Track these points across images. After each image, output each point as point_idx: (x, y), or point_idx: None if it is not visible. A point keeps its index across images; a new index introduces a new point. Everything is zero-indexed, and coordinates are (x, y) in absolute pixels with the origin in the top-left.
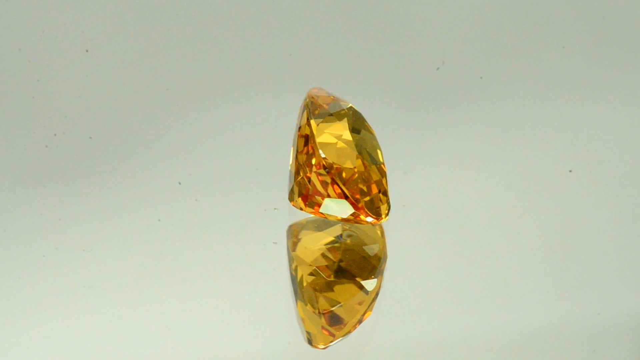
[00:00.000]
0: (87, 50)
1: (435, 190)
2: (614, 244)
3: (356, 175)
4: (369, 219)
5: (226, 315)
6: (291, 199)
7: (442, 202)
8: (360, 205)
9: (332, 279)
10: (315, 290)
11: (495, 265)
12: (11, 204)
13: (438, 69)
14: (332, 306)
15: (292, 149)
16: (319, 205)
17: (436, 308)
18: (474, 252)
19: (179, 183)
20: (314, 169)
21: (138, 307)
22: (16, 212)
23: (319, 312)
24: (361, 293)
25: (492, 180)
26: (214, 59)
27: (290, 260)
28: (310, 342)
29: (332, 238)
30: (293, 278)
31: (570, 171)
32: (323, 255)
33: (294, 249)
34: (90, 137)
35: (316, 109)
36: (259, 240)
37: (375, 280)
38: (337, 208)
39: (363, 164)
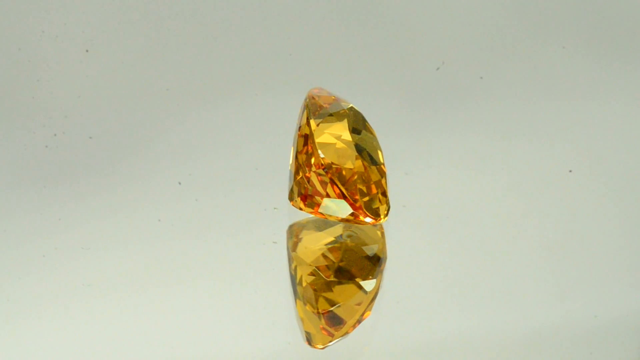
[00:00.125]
0: (87, 50)
1: (436, 190)
2: (614, 244)
3: (355, 175)
4: (368, 220)
5: (226, 315)
6: (291, 198)
7: (442, 203)
8: (359, 205)
9: (331, 279)
10: (314, 290)
11: (495, 265)
12: (11, 204)
13: (438, 69)
14: (331, 306)
15: (292, 148)
16: (319, 205)
17: (436, 308)
18: (473, 252)
19: (179, 183)
20: (313, 168)
21: (138, 307)
22: (16, 212)
23: (318, 312)
24: (360, 293)
25: (492, 180)
26: (214, 59)
27: (290, 260)
28: (309, 342)
29: (332, 238)
30: (293, 278)
31: (570, 171)
32: (323, 255)
33: (294, 249)
34: (90, 137)
35: (316, 109)
36: (258, 240)
37: (374, 280)
38: (336, 208)
39: (362, 164)
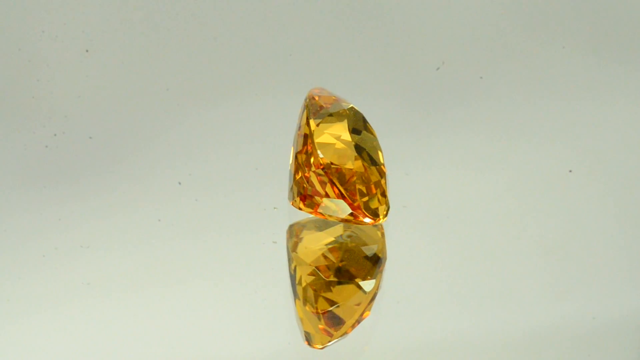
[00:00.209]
0: (87, 50)
1: (436, 190)
2: (614, 244)
3: (354, 175)
4: (367, 220)
5: (226, 315)
6: (291, 198)
7: (443, 203)
8: (357, 205)
9: (331, 279)
10: (314, 290)
11: (495, 265)
12: (11, 204)
13: (438, 69)
14: (331, 306)
15: (292, 148)
16: (318, 205)
17: (436, 308)
18: (473, 253)
19: (179, 183)
20: (312, 168)
21: (138, 307)
22: (16, 212)
23: (317, 312)
24: (359, 293)
25: (492, 180)
26: (214, 59)
27: (290, 260)
28: (308, 342)
29: (332, 238)
30: (292, 278)
31: (570, 171)
32: (323, 255)
33: (294, 249)
34: (90, 137)
35: (316, 109)
36: (258, 240)
37: (374, 280)
38: (335, 208)
39: (362, 164)
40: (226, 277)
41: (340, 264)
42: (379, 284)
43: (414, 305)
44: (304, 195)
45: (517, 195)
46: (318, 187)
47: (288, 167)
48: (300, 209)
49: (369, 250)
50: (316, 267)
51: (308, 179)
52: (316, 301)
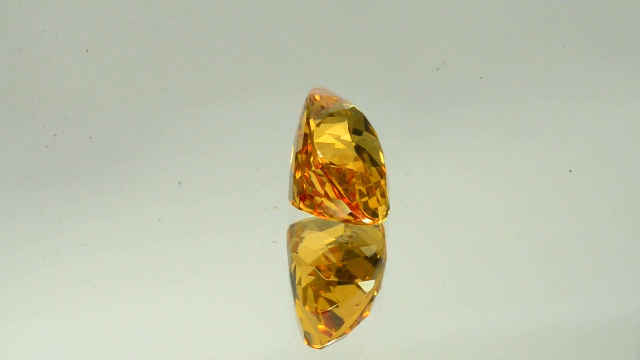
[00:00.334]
0: (87, 50)
1: (436, 191)
2: (614, 244)
3: (354, 176)
4: (366, 220)
5: (225, 314)
6: (291, 198)
7: (443, 203)
8: (356, 205)
9: (330, 279)
10: (313, 290)
11: (495, 265)
12: (11, 204)
13: (438, 69)
14: (330, 306)
15: (292, 148)
16: (318, 205)
17: (436, 309)
18: (474, 253)
19: (179, 183)
20: (312, 168)
21: (138, 306)
22: (16, 212)
23: (317, 312)
24: (359, 294)
25: (492, 180)
26: (214, 59)
27: (290, 259)
28: (308, 341)
29: (333, 239)
30: (292, 278)
31: (570, 171)
32: (323, 255)
33: (294, 249)
34: (90, 137)
35: (317, 109)
36: (258, 240)
37: (373, 281)
38: (335, 208)
39: (362, 165)
40: (226, 276)
41: (340, 264)
42: (379, 285)
43: (414, 305)
44: (304, 195)
45: (517, 195)
46: (318, 187)
47: (288, 166)
48: (300, 208)
49: (370, 251)
50: (316, 267)
51: (308, 179)
52: (316, 301)
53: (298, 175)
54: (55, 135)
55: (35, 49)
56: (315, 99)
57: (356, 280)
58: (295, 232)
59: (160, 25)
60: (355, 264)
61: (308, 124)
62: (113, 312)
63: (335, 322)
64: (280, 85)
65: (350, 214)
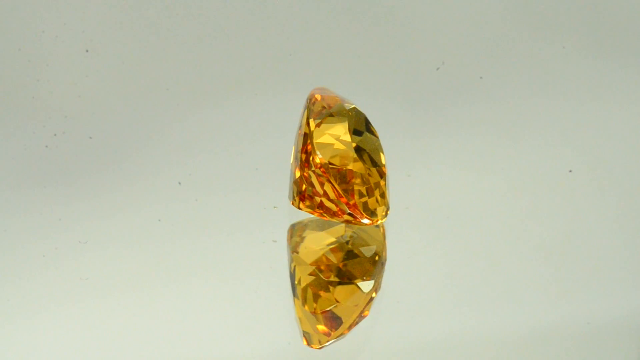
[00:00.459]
0: (87, 50)
1: (437, 191)
2: (614, 244)
3: (354, 176)
4: (365, 220)
5: (225, 314)
6: (291, 198)
7: (443, 204)
8: (355, 205)
9: (330, 279)
10: (313, 290)
11: (495, 266)
12: (11, 204)
13: (438, 69)
14: (329, 306)
15: (293, 147)
16: (317, 205)
17: (437, 309)
18: (474, 253)
19: (179, 183)
20: (312, 168)
21: (138, 306)
22: (16, 212)
23: (316, 312)
24: (358, 294)
25: (492, 180)
26: (214, 59)
27: (290, 259)
28: (307, 341)
29: (333, 239)
30: (292, 278)
31: (570, 171)
32: (324, 255)
33: (294, 249)
34: (90, 137)
35: (318, 109)
36: (258, 240)
37: (372, 281)
38: (334, 209)
39: (362, 165)
40: (226, 276)
41: (340, 265)
42: (379, 285)
43: (415, 305)
44: (304, 195)
45: (517, 195)
46: (317, 187)
47: (288, 166)
48: (300, 208)
49: (370, 251)
50: (316, 267)
51: (307, 179)
52: (315, 301)
53: (298, 175)
54: (55, 135)
55: (35, 49)
56: (316, 99)
57: (356, 281)
58: (296, 232)
59: (161, 25)
60: (355, 264)
61: (308, 123)
62: (113, 312)
63: (334, 322)
64: (281, 85)
65: (350, 214)
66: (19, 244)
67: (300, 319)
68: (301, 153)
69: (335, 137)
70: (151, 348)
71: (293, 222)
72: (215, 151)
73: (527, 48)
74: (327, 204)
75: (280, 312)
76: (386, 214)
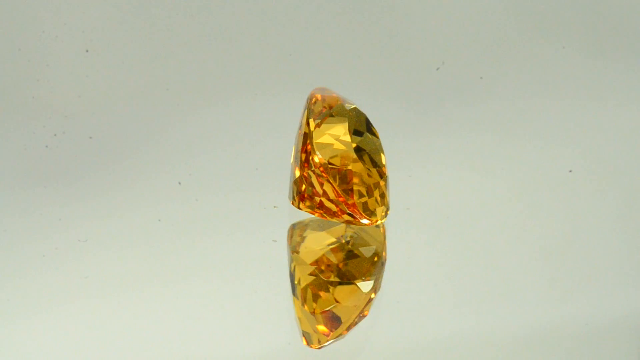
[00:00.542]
0: (87, 50)
1: (437, 192)
2: (614, 244)
3: (353, 176)
4: (364, 221)
5: (225, 314)
6: (291, 197)
7: (444, 204)
8: (354, 206)
9: (330, 279)
10: (312, 290)
11: (495, 266)
12: (11, 204)
13: (438, 69)
14: (329, 306)
15: (294, 147)
16: (317, 205)
17: (437, 309)
18: (474, 253)
19: (179, 183)
20: (312, 168)
21: (138, 307)
22: (16, 212)
23: (316, 312)
24: (358, 294)
25: (492, 180)
26: (214, 59)
27: (290, 259)
28: (306, 341)
29: (333, 239)
30: (292, 277)
31: (570, 171)
32: (324, 255)
33: (295, 249)
34: (90, 137)
35: (318, 109)
36: (258, 240)
37: (372, 281)
38: (334, 209)
39: (361, 165)
40: (226, 276)
41: (340, 265)
42: (378, 285)
43: (415, 305)
44: (303, 195)
45: (517, 195)
46: (317, 187)
47: (288, 167)
48: (299, 208)
49: (370, 251)
50: (316, 267)
51: (307, 179)
52: (315, 301)
53: (298, 175)
54: (55, 135)
55: (35, 49)
56: (317, 99)
57: (356, 281)
58: (296, 232)
59: (160, 25)
60: (355, 265)
61: (308, 123)
62: (113, 313)
63: (334, 322)
64: (281, 85)
65: (349, 215)
66: (19, 244)
67: (299, 318)
68: (301, 153)
69: (335, 137)
70: (151, 348)
71: (293, 222)
72: (215, 151)
73: (527, 48)
74: (327, 204)
75: (280, 312)
76: (386, 214)
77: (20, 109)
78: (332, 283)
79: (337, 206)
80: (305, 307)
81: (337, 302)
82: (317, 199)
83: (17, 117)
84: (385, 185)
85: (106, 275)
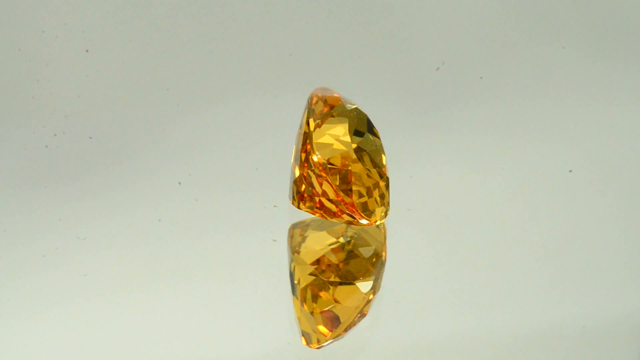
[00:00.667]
0: (87, 50)
1: (437, 192)
2: (614, 244)
3: (353, 177)
4: (363, 221)
5: (224, 314)
6: (291, 197)
7: (444, 204)
8: (354, 206)
9: (330, 279)
10: (312, 290)
11: (496, 266)
12: (11, 204)
13: (438, 69)
14: (328, 306)
15: (294, 147)
16: (317, 205)
17: (436, 309)
18: (474, 253)
19: (179, 183)
20: (312, 168)
21: (138, 306)
22: (16, 212)
23: (315, 312)
24: (357, 294)
25: (492, 180)
26: (214, 58)
27: (290, 259)
28: (305, 341)
29: (334, 239)
30: (292, 277)
31: (570, 171)
32: (324, 256)
33: (294, 249)
34: (90, 137)
35: (319, 109)
36: (258, 240)
37: (371, 282)
38: (333, 209)
39: (361, 166)
40: (226, 276)
41: (340, 265)
42: (378, 286)
43: (415, 305)
44: (303, 195)
45: (517, 195)
46: (317, 187)
47: (289, 166)
48: (299, 208)
49: (370, 252)
50: (316, 267)
51: (307, 179)
52: (314, 301)
53: (298, 174)
54: (55, 135)
55: (35, 49)
56: (318, 99)
57: (355, 281)
58: (297, 232)
59: (160, 25)
60: (355, 265)
61: (308, 123)
62: (113, 313)
63: (333, 322)
64: (281, 85)
65: (349, 215)
66: (19, 244)
67: (299, 318)
68: (301, 153)
69: (335, 137)
70: (151, 348)
71: (294, 222)
72: (215, 151)
73: (527, 48)
74: (327, 204)
75: (279, 312)
76: (385, 215)
77: (20, 109)
78: (332, 283)
79: (337, 206)
80: (305, 307)
81: (336, 302)
82: (317, 199)
83: (17, 117)
84: (386, 185)
85: (106, 276)
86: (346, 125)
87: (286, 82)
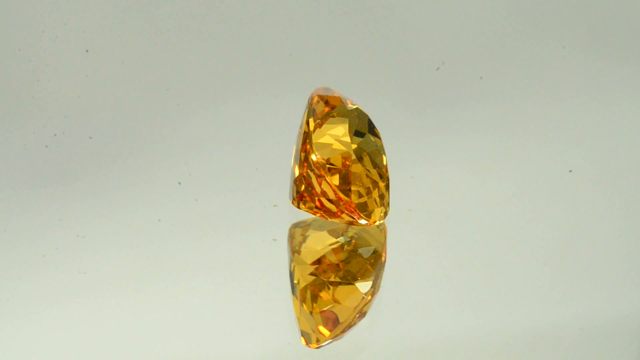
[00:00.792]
0: (87, 50)
1: (437, 192)
2: (614, 244)
3: (352, 177)
4: (362, 221)
5: (224, 314)
6: (291, 197)
7: (444, 205)
8: (352, 206)
9: (330, 279)
10: (312, 290)
11: (496, 266)
12: (11, 204)
13: (438, 69)
14: (328, 306)
15: (294, 147)
16: (316, 204)
17: (436, 309)
18: (475, 253)
19: (179, 183)
20: (311, 167)
21: (138, 306)
22: (16, 212)
23: (314, 312)
24: (357, 294)
25: (492, 181)
26: (214, 58)
27: (290, 259)
28: (305, 341)
29: (335, 239)
30: (291, 277)
31: (570, 171)
32: (324, 256)
33: (295, 249)
34: (90, 137)
35: (319, 109)
36: (258, 240)
37: (371, 282)
38: (333, 209)
39: (361, 166)
40: (225, 276)
41: (340, 265)
42: (378, 286)
43: (414, 305)
44: (302, 195)
45: (517, 195)
46: (316, 187)
47: (289, 166)
48: (299, 208)
49: (370, 252)
50: (316, 267)
51: (307, 178)
52: (314, 301)
53: (297, 174)
54: (55, 135)
55: (35, 49)
56: (319, 99)
57: (355, 281)
58: (298, 232)
59: (160, 25)
60: (355, 265)
61: (308, 123)
62: (113, 313)
63: (333, 322)
64: (281, 85)
65: (349, 215)
66: (19, 243)
67: (298, 318)
68: (301, 152)
69: (335, 137)
70: (151, 347)
71: (294, 221)
72: (215, 151)
73: (527, 48)
74: (327, 204)
75: (279, 312)
76: (385, 215)
77: (20, 109)
78: (331, 283)
79: (336, 207)
80: (304, 306)
81: (336, 302)
82: (317, 199)
83: (17, 117)
84: (386, 186)
85: (106, 276)
86: (346, 126)
87: (286, 82)
